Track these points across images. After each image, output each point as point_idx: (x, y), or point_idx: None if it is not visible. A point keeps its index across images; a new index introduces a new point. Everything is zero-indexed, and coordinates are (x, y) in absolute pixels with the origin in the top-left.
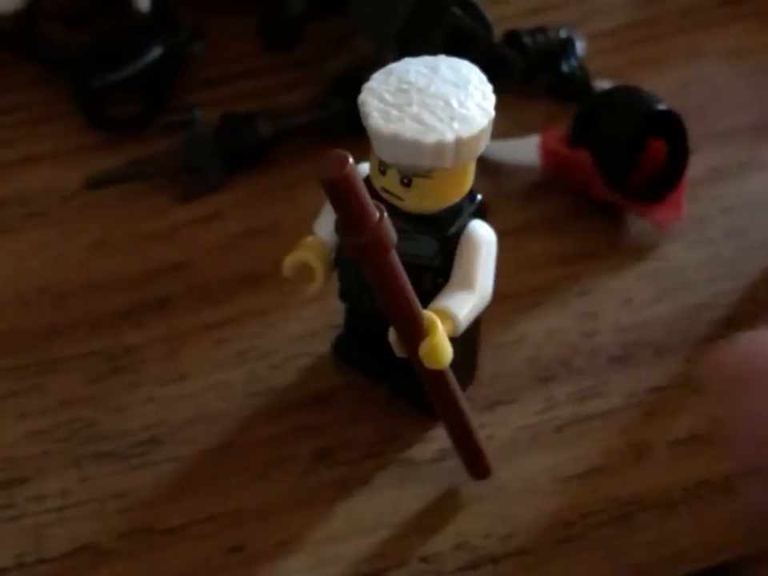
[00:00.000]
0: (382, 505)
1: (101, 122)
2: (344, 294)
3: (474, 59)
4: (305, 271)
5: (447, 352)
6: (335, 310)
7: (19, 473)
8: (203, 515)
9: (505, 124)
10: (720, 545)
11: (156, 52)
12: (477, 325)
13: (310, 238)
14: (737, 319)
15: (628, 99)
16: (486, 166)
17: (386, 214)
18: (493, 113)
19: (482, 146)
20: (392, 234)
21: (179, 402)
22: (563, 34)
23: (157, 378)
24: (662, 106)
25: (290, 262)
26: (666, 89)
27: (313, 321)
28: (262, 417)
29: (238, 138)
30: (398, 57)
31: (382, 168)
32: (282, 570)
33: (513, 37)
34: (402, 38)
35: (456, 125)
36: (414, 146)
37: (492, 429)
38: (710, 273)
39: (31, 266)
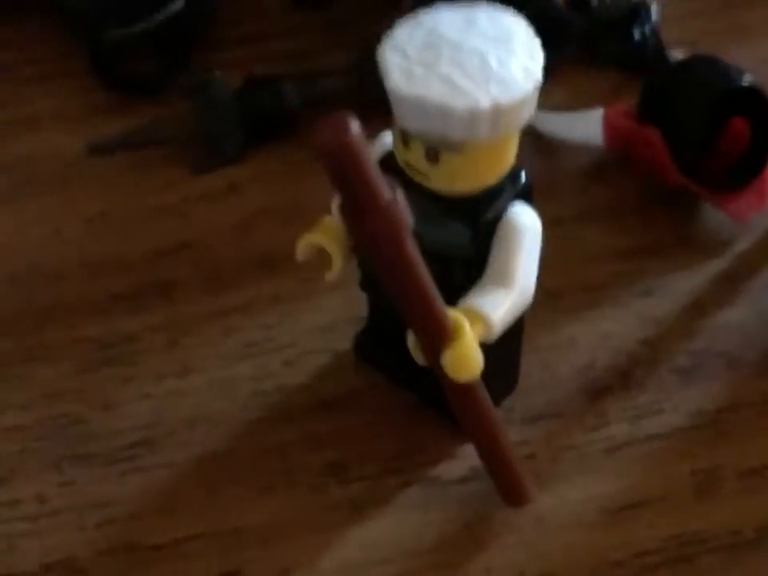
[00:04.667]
0: (402, 530)
1: (113, 81)
2: (364, 284)
3: (526, 20)
4: (322, 256)
5: (477, 361)
6: (361, 301)
7: None
8: (195, 532)
9: (566, 97)
10: None
11: (178, 4)
12: (520, 327)
13: (327, 218)
14: None
15: (706, 71)
16: (541, 143)
17: (400, 193)
18: (540, 76)
19: (524, 117)
20: (407, 219)
21: (177, 399)
22: None
23: (154, 372)
24: (745, 81)
25: (303, 245)
26: (751, 61)
27: (335, 312)
28: (270, 420)
29: (260, 103)
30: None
31: (405, 139)
32: None
33: None
34: None
35: (493, 88)
36: (442, 112)
37: (534, 446)
38: None
39: (25, 239)
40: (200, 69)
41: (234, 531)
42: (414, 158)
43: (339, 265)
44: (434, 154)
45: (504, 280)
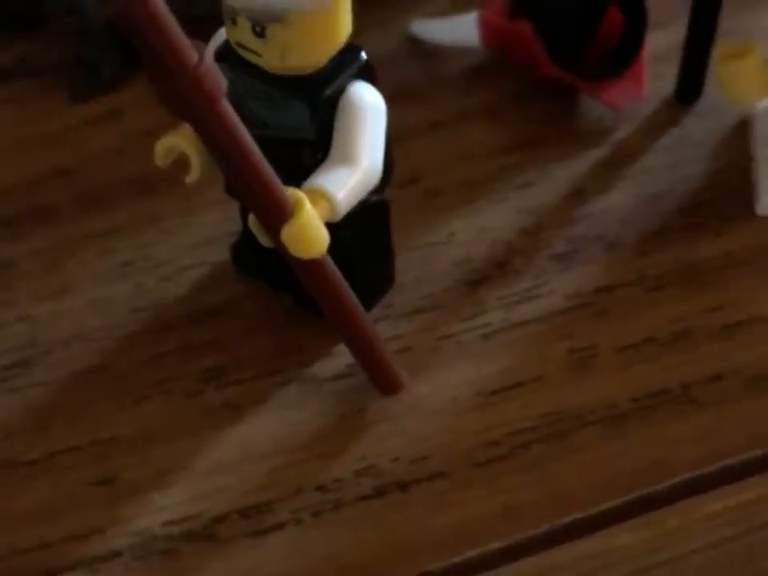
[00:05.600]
0: (278, 428)
1: None
2: (229, 188)
3: None
4: (184, 160)
5: (318, 237)
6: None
7: None
8: (70, 445)
9: (449, 5)
10: (676, 465)
11: None
12: (386, 221)
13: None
14: (698, 208)
15: None
16: (421, 49)
17: (208, 55)
18: None
19: None
20: (218, 81)
21: (54, 320)
22: None
23: (32, 295)
24: None
25: (159, 148)
26: None
27: (214, 227)
28: (146, 334)
29: None
30: None
31: (233, 17)
32: (156, 504)
33: None
34: None
35: None
36: None
37: (411, 339)
38: (672, 158)
39: None
40: None
41: (109, 441)
42: (243, 36)
43: (198, 167)
44: (260, 28)
45: (347, 158)
